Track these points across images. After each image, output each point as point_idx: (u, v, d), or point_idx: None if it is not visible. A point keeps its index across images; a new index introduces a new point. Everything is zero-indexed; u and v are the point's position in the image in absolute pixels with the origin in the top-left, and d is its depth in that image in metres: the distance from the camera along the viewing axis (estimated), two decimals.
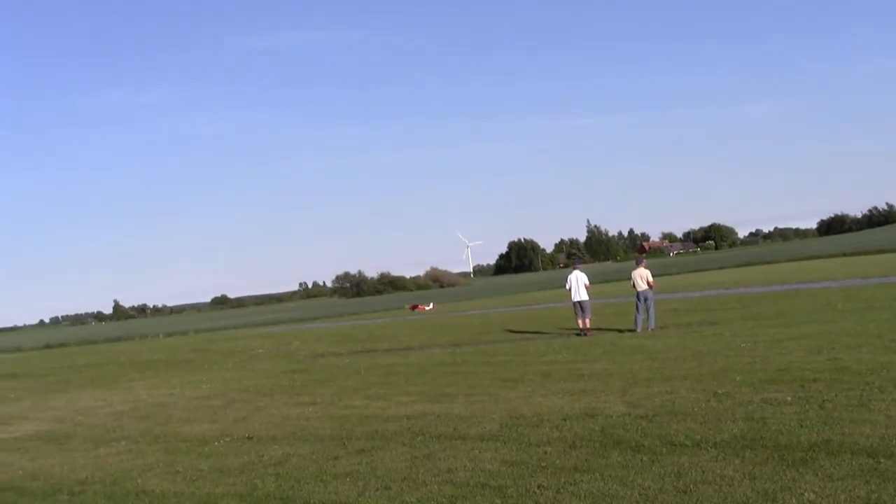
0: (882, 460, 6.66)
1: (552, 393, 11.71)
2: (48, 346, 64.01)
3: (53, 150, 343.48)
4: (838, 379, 10.31)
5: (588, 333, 21.56)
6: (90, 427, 13.79)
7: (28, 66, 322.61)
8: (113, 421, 14.19)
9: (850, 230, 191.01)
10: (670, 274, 65.46)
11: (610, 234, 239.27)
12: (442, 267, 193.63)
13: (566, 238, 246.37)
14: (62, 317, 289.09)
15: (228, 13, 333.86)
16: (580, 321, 22.20)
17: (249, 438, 10.86)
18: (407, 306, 60.79)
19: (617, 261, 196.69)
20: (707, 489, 6.37)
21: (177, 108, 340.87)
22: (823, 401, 9.05)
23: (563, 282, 23.35)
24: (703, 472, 6.83)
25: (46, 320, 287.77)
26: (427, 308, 55.92)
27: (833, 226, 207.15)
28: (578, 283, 22.61)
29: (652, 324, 21.09)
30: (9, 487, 9.64)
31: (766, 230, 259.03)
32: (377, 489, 7.50)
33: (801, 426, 7.99)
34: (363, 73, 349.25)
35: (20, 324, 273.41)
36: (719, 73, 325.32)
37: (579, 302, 22.42)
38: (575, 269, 23.64)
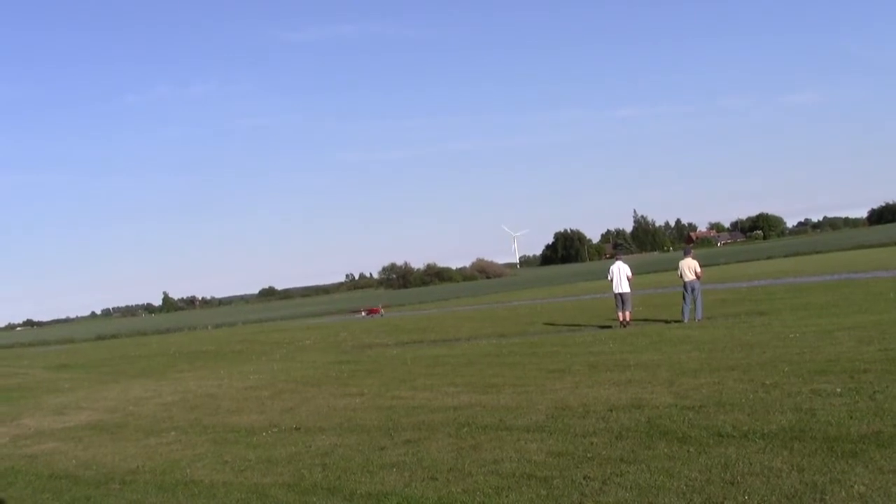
0: None
1: (599, 384, 11.65)
2: (100, 338, 65.37)
3: (102, 146, 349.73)
4: (889, 370, 10.11)
5: (627, 325, 21.47)
6: (141, 417, 14.02)
7: (76, 65, 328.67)
8: (163, 411, 14.41)
9: None
10: (718, 264, 64.81)
11: (657, 225, 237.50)
12: (488, 258, 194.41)
13: (613, 228, 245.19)
14: (113, 309, 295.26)
15: (273, 7, 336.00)
16: (620, 313, 22.10)
17: (297, 429, 10.95)
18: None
19: (664, 251, 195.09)
20: (754, 481, 6.30)
21: (222, 102, 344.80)
22: (874, 392, 8.89)
23: (609, 273, 23.24)
24: (751, 463, 6.76)
25: (98, 312, 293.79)
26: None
27: (884, 215, 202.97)
28: (620, 275, 22.49)
29: (699, 314, 20.91)
30: (63, 475, 9.85)
31: (815, 220, 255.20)
32: (423, 479, 7.52)
33: (851, 417, 7.85)
34: (408, 66, 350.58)
35: (72, 316, 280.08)
36: (765, 60, 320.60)
37: (620, 294, 22.31)
38: (617, 259, 23.52)
